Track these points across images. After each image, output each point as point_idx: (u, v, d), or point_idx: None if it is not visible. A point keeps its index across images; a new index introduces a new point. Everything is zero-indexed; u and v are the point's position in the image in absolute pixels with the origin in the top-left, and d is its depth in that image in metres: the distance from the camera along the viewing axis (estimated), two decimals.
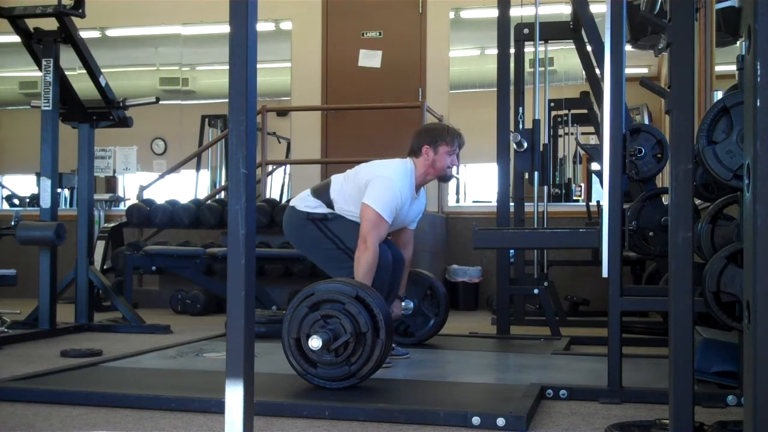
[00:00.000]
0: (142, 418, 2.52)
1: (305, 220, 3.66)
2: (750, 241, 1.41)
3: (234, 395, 1.66)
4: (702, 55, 4.86)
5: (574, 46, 5.36)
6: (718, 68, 4.91)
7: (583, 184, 7.58)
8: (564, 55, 7.15)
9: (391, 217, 3.53)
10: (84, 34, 5.08)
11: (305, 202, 3.70)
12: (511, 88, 4.99)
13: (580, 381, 3.19)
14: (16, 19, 4.78)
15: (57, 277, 4.82)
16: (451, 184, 7.86)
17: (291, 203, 3.79)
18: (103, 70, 5.10)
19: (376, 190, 3.51)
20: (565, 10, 6.87)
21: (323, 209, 3.65)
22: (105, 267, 6.73)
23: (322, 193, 3.69)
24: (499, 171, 4.71)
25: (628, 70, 2.88)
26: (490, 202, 6.34)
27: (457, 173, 3.86)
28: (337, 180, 3.72)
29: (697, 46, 4.76)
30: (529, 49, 5.26)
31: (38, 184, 4.86)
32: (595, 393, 2.86)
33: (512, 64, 4.96)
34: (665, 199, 3.27)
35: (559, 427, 2.45)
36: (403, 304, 3.94)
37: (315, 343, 2.77)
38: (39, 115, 4.80)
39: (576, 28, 5.22)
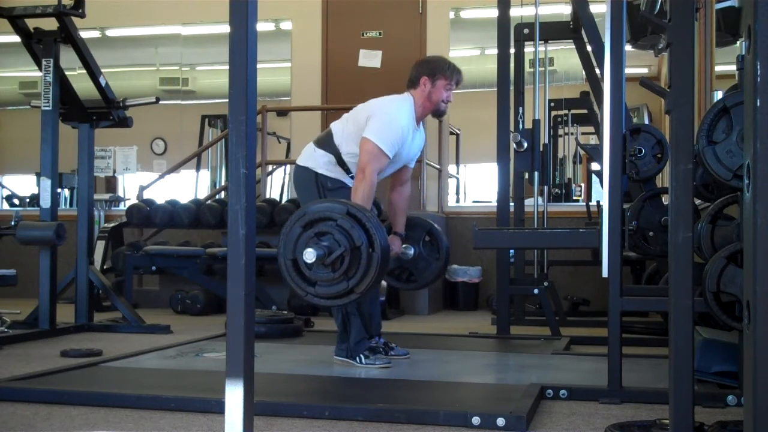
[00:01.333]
0: (142, 418, 2.52)
1: (312, 181, 3.57)
2: (750, 241, 1.41)
3: (234, 395, 1.66)
4: (702, 55, 4.86)
5: (574, 46, 5.37)
6: (718, 68, 4.91)
7: (583, 184, 7.58)
8: (564, 55, 7.15)
9: (392, 152, 3.48)
10: (84, 34, 5.08)
11: (314, 160, 3.60)
12: (511, 88, 4.99)
13: (580, 381, 3.19)
14: (16, 19, 4.78)
15: (57, 277, 4.82)
16: (452, 184, 7.87)
17: (299, 162, 3.68)
18: (103, 70, 5.10)
19: (376, 124, 3.47)
20: (565, 10, 6.87)
21: (330, 167, 3.56)
22: (105, 267, 6.73)
23: (326, 143, 3.61)
24: (499, 171, 4.71)
25: (628, 70, 2.88)
26: (490, 202, 6.34)
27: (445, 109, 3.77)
28: (337, 126, 3.65)
29: (697, 46, 4.76)
30: (529, 49, 5.25)
31: (38, 184, 4.86)
32: (595, 393, 2.86)
33: (512, 64, 4.96)
34: (665, 199, 3.27)
35: (559, 427, 2.45)
36: (403, 247, 3.88)
37: (309, 256, 2.70)
38: (39, 115, 4.80)
39: (576, 28, 5.22)
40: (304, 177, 3.62)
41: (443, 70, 3.64)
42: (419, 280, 4.00)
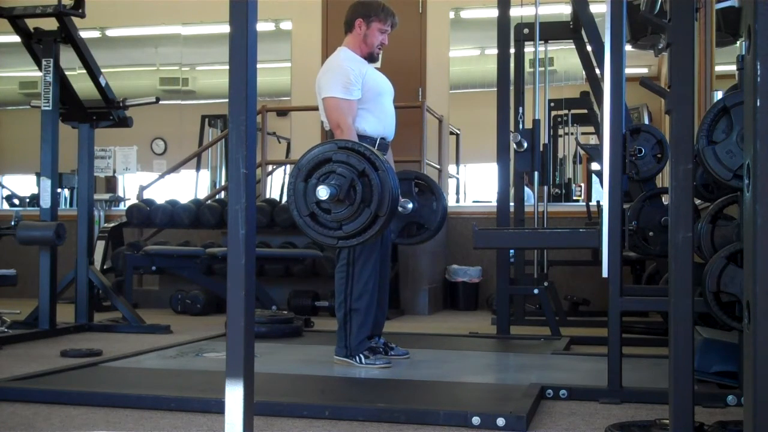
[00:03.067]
0: (142, 418, 2.52)
1: None
2: (750, 241, 1.41)
3: (234, 395, 1.66)
4: (702, 55, 4.86)
5: (574, 46, 5.37)
6: (718, 68, 4.91)
7: (583, 184, 7.58)
8: (564, 55, 7.15)
9: (353, 92, 3.49)
10: (84, 34, 5.08)
11: None
12: (511, 88, 4.98)
13: (580, 381, 3.19)
14: (16, 19, 4.78)
15: (57, 277, 4.82)
16: (452, 184, 7.86)
17: None
18: (103, 70, 5.10)
19: (323, 81, 3.53)
20: (565, 10, 6.87)
21: None
22: (105, 267, 6.73)
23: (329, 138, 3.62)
24: (499, 171, 4.71)
25: (628, 70, 2.88)
26: (490, 202, 6.33)
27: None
28: (325, 121, 3.67)
29: (697, 46, 4.76)
30: (529, 49, 5.25)
31: (38, 184, 4.86)
32: (595, 393, 2.86)
33: (512, 64, 4.96)
34: (665, 199, 3.27)
35: (559, 427, 2.45)
36: (401, 201, 3.86)
37: (323, 192, 2.65)
38: (39, 115, 4.80)
39: (576, 28, 5.22)
40: None
41: (378, 14, 3.65)
42: (430, 225, 3.96)
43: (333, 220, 2.75)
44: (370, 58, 3.72)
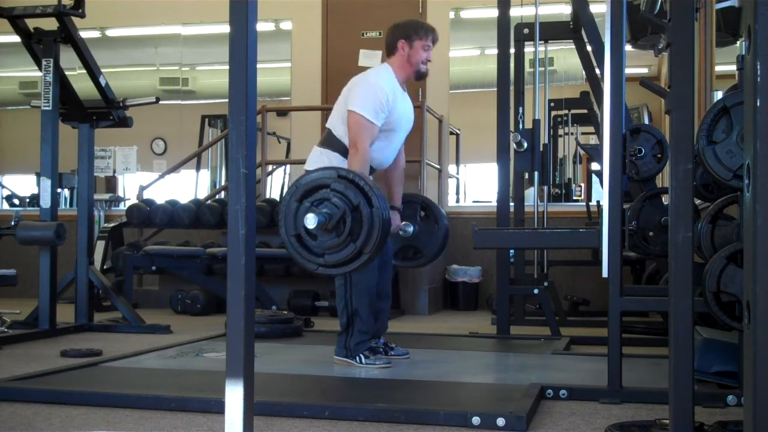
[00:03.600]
0: (142, 418, 2.52)
1: None
2: (750, 241, 1.41)
3: (234, 395, 1.66)
4: (702, 55, 4.86)
5: (574, 46, 5.36)
6: (718, 68, 4.91)
7: (583, 184, 7.58)
8: (564, 55, 7.15)
9: (379, 118, 3.45)
10: (84, 34, 5.08)
11: (320, 163, 3.52)
12: (511, 88, 4.98)
13: (580, 381, 3.19)
14: (16, 19, 4.78)
15: (57, 277, 4.82)
16: (452, 184, 7.87)
17: (306, 167, 3.62)
18: (103, 70, 5.10)
19: (357, 94, 3.45)
20: (565, 10, 6.87)
21: (340, 161, 3.49)
22: (105, 267, 6.73)
23: (330, 142, 3.57)
24: (499, 171, 4.71)
25: (628, 70, 2.88)
26: (490, 202, 6.33)
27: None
28: (332, 121, 3.62)
29: (697, 46, 4.76)
30: (529, 49, 5.25)
31: (38, 184, 4.85)
32: (595, 393, 2.86)
33: (512, 64, 4.96)
34: (665, 199, 3.27)
35: (559, 427, 2.45)
36: (402, 224, 3.86)
37: (310, 221, 2.66)
38: (39, 115, 4.80)
39: (576, 28, 5.22)
40: None
41: (418, 31, 3.63)
42: (426, 253, 3.97)
43: (317, 246, 2.76)
44: (418, 75, 3.69)
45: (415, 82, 3.78)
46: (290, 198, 2.81)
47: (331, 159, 3.52)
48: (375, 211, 2.73)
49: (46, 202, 4.75)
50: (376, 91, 3.46)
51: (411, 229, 3.88)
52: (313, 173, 2.85)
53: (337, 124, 3.58)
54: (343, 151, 3.52)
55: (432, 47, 3.68)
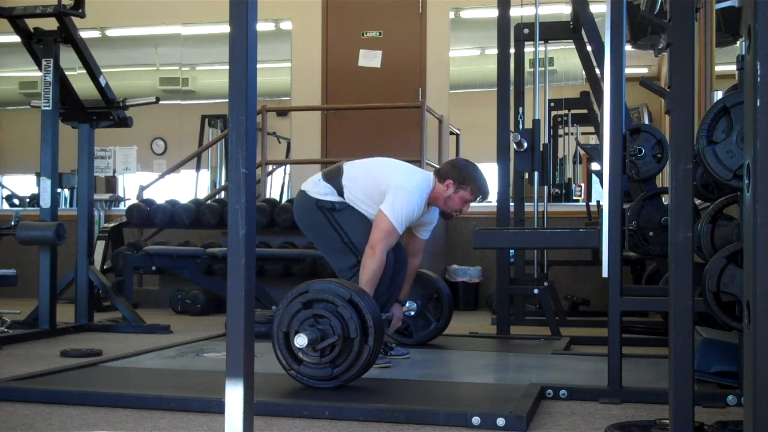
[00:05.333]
0: (142, 418, 2.52)
1: (314, 207, 3.63)
2: (750, 241, 1.41)
3: (234, 395, 1.66)
4: (702, 55, 4.86)
5: (574, 46, 5.36)
6: (718, 68, 4.91)
7: (583, 184, 7.58)
8: (564, 55, 7.15)
9: (403, 229, 3.56)
10: (84, 34, 5.08)
11: (316, 188, 3.66)
12: (511, 88, 4.98)
13: (580, 381, 3.19)
14: (16, 19, 4.77)
15: (57, 277, 4.82)
16: None
17: (302, 187, 3.74)
18: (103, 70, 5.10)
19: (395, 200, 3.49)
20: (565, 10, 6.87)
21: (333, 197, 3.62)
22: (105, 267, 6.72)
23: (333, 178, 3.66)
24: (499, 171, 4.71)
25: (628, 70, 2.88)
26: (490, 202, 6.33)
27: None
28: (350, 170, 3.68)
29: (697, 46, 4.76)
30: (529, 49, 5.25)
31: (38, 184, 4.85)
32: (595, 393, 2.86)
33: (512, 64, 4.96)
34: (665, 199, 3.27)
35: (559, 427, 2.45)
36: (407, 304, 3.94)
37: (300, 341, 2.77)
38: (39, 115, 4.80)
39: (576, 28, 5.22)
40: (304, 202, 3.70)
41: (471, 184, 3.67)
42: (415, 336, 4.09)
43: (298, 354, 2.87)
44: (443, 215, 3.79)
45: (439, 215, 3.86)
46: (296, 296, 2.88)
47: (327, 191, 3.64)
48: (366, 348, 2.83)
49: (46, 202, 4.75)
50: (413, 206, 3.54)
51: (415, 306, 4.00)
52: (329, 284, 2.94)
53: (352, 178, 3.64)
54: (339, 190, 3.63)
55: (472, 203, 3.74)
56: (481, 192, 3.70)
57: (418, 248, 3.90)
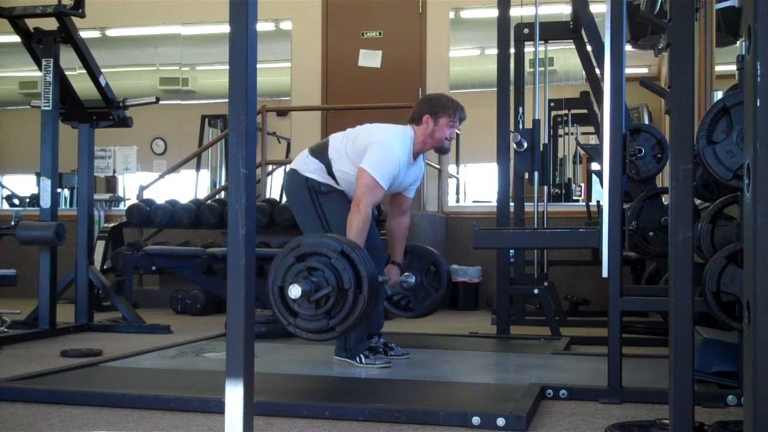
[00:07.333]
0: (142, 418, 2.52)
1: (304, 186, 3.61)
2: (750, 241, 1.41)
3: (234, 395, 1.66)
4: (702, 55, 4.86)
5: (574, 46, 5.36)
6: (718, 68, 4.91)
7: (583, 184, 7.58)
8: (564, 55, 7.15)
9: (387, 184, 3.51)
10: (84, 34, 5.08)
11: (305, 165, 3.65)
12: (511, 88, 4.98)
13: (580, 381, 3.19)
14: (16, 19, 4.77)
15: (57, 277, 4.82)
16: (452, 184, 7.87)
17: (292, 166, 3.73)
18: (103, 70, 5.10)
19: (373, 155, 3.48)
20: (565, 10, 6.87)
21: (322, 175, 3.60)
22: (105, 267, 6.72)
23: (320, 153, 3.64)
24: (499, 171, 4.71)
25: (628, 70, 2.88)
26: (490, 202, 6.34)
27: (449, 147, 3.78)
28: (335, 139, 3.67)
29: (697, 46, 4.76)
30: (529, 49, 5.25)
31: (38, 184, 4.85)
32: (595, 393, 2.86)
33: (512, 64, 4.96)
34: (665, 199, 3.27)
35: (559, 427, 2.45)
36: (404, 275, 3.91)
37: (294, 291, 2.75)
38: (39, 115, 4.80)
39: (576, 28, 5.22)
40: (294, 181, 3.66)
41: (446, 109, 3.64)
42: (416, 309, 4.06)
43: (294, 307, 2.83)
44: (440, 150, 3.75)
45: (434, 151, 3.81)
46: (289, 252, 2.86)
47: (316, 167, 3.60)
48: (361, 297, 2.81)
49: (46, 202, 4.75)
50: (392, 161, 3.50)
51: (413, 280, 3.96)
52: (321, 238, 2.92)
53: (338, 148, 3.62)
54: (328, 167, 3.60)
55: (458, 125, 3.70)
56: (457, 109, 3.67)
57: (406, 207, 3.87)
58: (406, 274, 3.92)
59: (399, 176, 3.60)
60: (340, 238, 2.99)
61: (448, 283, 4.05)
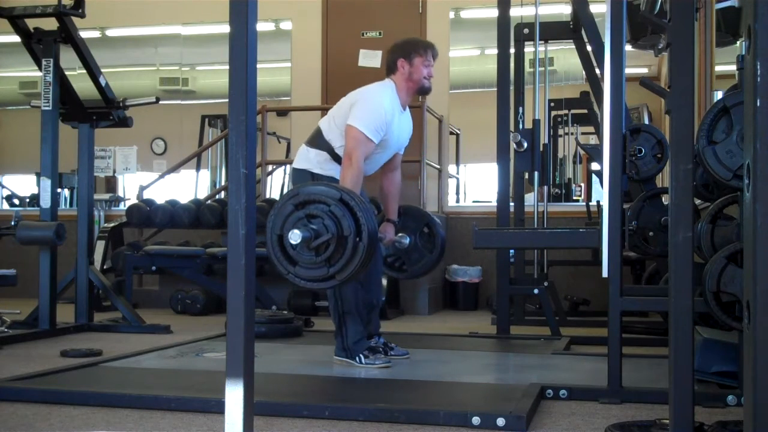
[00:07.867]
0: (142, 418, 2.52)
1: (309, 180, 3.59)
2: (750, 241, 1.41)
3: (234, 395, 1.66)
4: (702, 55, 4.87)
5: (574, 46, 5.36)
6: (718, 68, 4.91)
7: (583, 184, 7.58)
8: (564, 55, 7.14)
9: (377, 136, 3.50)
10: (84, 34, 5.08)
11: (308, 159, 3.64)
12: (511, 88, 4.98)
13: (580, 381, 3.19)
14: (16, 19, 4.78)
15: (57, 277, 4.82)
16: (452, 184, 7.87)
17: (294, 165, 3.73)
18: (103, 70, 5.10)
19: (359, 110, 3.50)
20: (565, 10, 6.87)
21: (327, 164, 3.57)
22: (105, 267, 6.72)
23: (317, 141, 3.65)
24: (499, 171, 4.71)
25: (628, 70, 2.88)
26: (490, 202, 6.33)
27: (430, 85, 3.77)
28: (324, 123, 3.69)
29: (697, 46, 4.76)
30: (529, 49, 5.25)
31: (38, 184, 4.86)
32: (595, 393, 2.87)
33: (512, 64, 4.96)
34: (665, 199, 3.27)
35: (559, 427, 2.45)
36: (398, 236, 3.90)
37: (294, 237, 2.71)
38: (39, 115, 4.80)
39: (576, 28, 5.22)
40: (300, 178, 3.64)
41: (417, 48, 3.67)
42: (410, 270, 4.03)
43: (295, 254, 2.80)
44: (421, 91, 3.75)
45: (418, 95, 3.82)
46: (288, 200, 2.83)
47: (319, 158, 3.60)
48: (360, 245, 2.78)
49: (46, 202, 4.75)
50: (378, 109, 3.51)
51: (407, 241, 3.94)
52: (318, 186, 2.89)
53: (329, 127, 3.63)
54: (330, 151, 3.59)
55: (433, 63, 3.71)
56: (428, 47, 3.70)
57: (396, 163, 3.86)
58: (401, 234, 3.90)
59: (393, 130, 3.60)
60: (338, 186, 2.98)
61: (442, 244, 4.03)
